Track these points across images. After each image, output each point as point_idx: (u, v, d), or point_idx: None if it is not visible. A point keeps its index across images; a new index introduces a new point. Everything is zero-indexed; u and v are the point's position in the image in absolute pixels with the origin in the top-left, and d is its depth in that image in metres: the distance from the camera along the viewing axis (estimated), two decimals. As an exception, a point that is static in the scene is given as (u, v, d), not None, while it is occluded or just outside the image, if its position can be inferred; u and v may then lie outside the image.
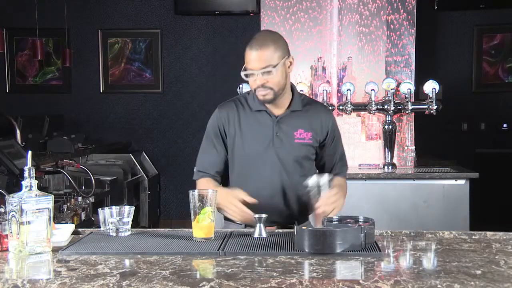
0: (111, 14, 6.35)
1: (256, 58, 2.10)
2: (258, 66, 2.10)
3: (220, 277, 1.43)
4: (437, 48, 6.23)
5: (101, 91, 6.41)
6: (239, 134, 2.20)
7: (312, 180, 2.06)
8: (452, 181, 3.73)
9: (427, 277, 1.44)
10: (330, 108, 3.94)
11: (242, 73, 2.16)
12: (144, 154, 6.00)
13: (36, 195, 1.69)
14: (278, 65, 2.11)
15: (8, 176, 3.38)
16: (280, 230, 2.01)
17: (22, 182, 1.70)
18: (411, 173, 3.86)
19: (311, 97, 4.10)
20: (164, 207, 6.41)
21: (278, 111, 2.23)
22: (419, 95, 4.29)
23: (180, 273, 1.47)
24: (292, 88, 2.29)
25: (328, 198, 2.06)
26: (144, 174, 5.64)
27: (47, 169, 3.72)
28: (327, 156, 2.31)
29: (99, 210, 1.97)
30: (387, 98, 3.87)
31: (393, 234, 1.92)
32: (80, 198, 4.05)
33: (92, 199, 4.18)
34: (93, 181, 3.76)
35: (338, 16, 4.12)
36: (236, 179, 2.23)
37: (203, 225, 1.82)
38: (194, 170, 2.27)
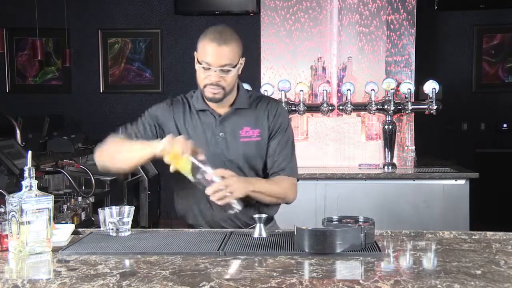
0: (111, 14, 6.35)
1: (217, 53, 1.98)
2: (218, 63, 1.99)
3: (220, 277, 1.43)
4: (437, 48, 6.23)
5: (101, 91, 6.41)
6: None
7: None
8: (452, 181, 3.73)
9: (427, 277, 1.44)
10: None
11: (198, 66, 2.04)
12: (144, 154, 5.98)
13: (36, 195, 1.69)
14: (236, 66, 2.03)
15: (8, 176, 3.38)
16: (280, 230, 2.01)
17: (22, 182, 1.70)
18: (411, 173, 3.86)
19: (311, 97, 4.11)
20: (164, 207, 6.40)
21: (222, 110, 2.12)
22: (419, 95, 4.29)
23: (180, 273, 1.47)
24: (238, 86, 2.15)
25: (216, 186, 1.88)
26: (144, 174, 5.63)
27: (47, 169, 3.71)
28: (269, 150, 2.13)
29: (99, 210, 1.97)
30: (387, 98, 3.87)
31: (393, 234, 1.92)
32: (80, 198, 4.05)
33: (92, 199, 4.17)
34: (93, 181, 3.76)
35: (338, 16, 4.12)
36: (183, 185, 2.08)
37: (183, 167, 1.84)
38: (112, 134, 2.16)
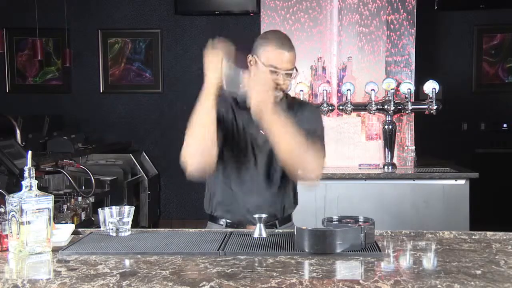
0: (111, 14, 6.35)
1: (285, 58, 2.09)
2: (287, 67, 2.09)
3: (220, 277, 1.43)
4: (437, 48, 6.23)
5: (101, 91, 6.41)
6: (234, 126, 2.15)
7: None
8: (452, 181, 3.73)
9: (427, 277, 1.44)
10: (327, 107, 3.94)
11: (264, 68, 2.07)
12: (144, 154, 5.99)
13: (36, 195, 1.69)
14: (295, 70, 2.13)
15: (8, 176, 3.38)
16: (281, 230, 2.01)
17: (22, 182, 1.70)
18: (411, 173, 3.86)
19: (311, 97, 4.11)
20: (164, 207, 6.41)
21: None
22: (419, 95, 4.29)
23: (180, 273, 1.47)
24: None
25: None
26: (144, 174, 5.63)
27: (47, 169, 3.72)
28: None
29: (99, 210, 1.97)
30: (387, 98, 3.87)
31: (393, 234, 1.92)
32: (80, 198, 4.05)
33: (92, 199, 4.18)
34: (93, 181, 3.76)
35: (338, 16, 4.12)
36: (227, 171, 2.16)
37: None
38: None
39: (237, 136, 2.16)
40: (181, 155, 2.02)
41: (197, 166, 2.01)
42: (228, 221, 2.18)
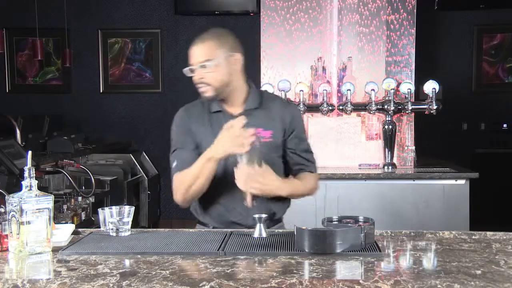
0: (111, 14, 6.35)
1: (195, 52, 2.08)
2: (196, 61, 2.07)
3: (220, 277, 1.43)
4: (437, 48, 6.23)
5: (101, 91, 6.41)
6: (204, 138, 2.12)
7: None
8: (452, 181, 3.73)
9: (427, 277, 1.44)
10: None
11: (185, 70, 2.11)
12: (144, 154, 5.99)
13: (36, 195, 1.69)
14: (215, 60, 2.06)
15: (8, 176, 3.38)
16: (281, 230, 2.01)
17: (22, 182, 1.70)
18: (411, 173, 3.86)
19: (311, 97, 4.10)
20: (164, 207, 6.41)
21: (234, 110, 2.15)
22: (419, 95, 4.29)
23: (180, 273, 1.47)
24: (249, 85, 2.20)
25: (246, 174, 1.96)
26: (144, 174, 5.63)
27: (47, 169, 3.72)
28: (289, 152, 2.20)
29: (99, 210, 1.97)
30: (387, 98, 3.87)
31: (393, 234, 1.92)
32: (80, 198, 4.05)
33: (92, 199, 4.18)
34: (93, 181, 3.76)
35: (338, 16, 4.12)
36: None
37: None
38: (172, 166, 2.19)
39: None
40: (176, 200, 2.13)
41: (191, 202, 2.17)
42: (215, 225, 2.18)
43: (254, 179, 1.97)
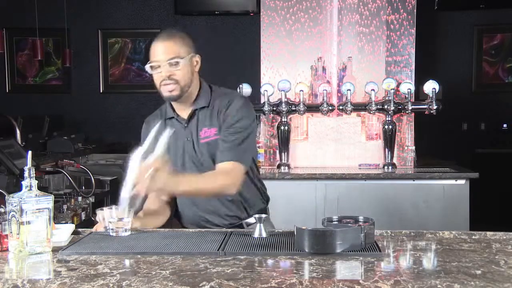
0: (111, 14, 6.35)
1: (163, 49, 2.03)
2: (165, 57, 2.03)
3: (220, 277, 1.43)
4: (437, 48, 6.23)
5: (101, 91, 6.41)
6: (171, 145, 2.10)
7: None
8: (452, 181, 3.73)
9: (427, 277, 1.44)
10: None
11: (147, 66, 2.06)
12: (144, 154, 5.98)
13: (36, 195, 1.69)
14: (185, 59, 2.05)
15: (8, 176, 3.37)
16: (281, 230, 2.01)
17: (22, 182, 1.70)
18: (411, 173, 3.86)
19: (311, 97, 4.10)
20: (164, 207, 6.40)
21: (185, 113, 2.15)
22: (419, 95, 4.29)
23: (180, 273, 1.47)
24: (201, 84, 2.18)
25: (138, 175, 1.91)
26: (144, 174, 5.62)
27: (47, 169, 3.71)
28: (218, 142, 2.10)
29: (97, 210, 1.97)
30: (387, 98, 3.87)
31: (393, 234, 1.92)
32: (80, 198, 4.05)
33: (92, 199, 4.17)
34: (93, 181, 3.75)
35: (338, 16, 4.12)
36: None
37: None
38: None
39: (174, 149, 2.14)
40: None
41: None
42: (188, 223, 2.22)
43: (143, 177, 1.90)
